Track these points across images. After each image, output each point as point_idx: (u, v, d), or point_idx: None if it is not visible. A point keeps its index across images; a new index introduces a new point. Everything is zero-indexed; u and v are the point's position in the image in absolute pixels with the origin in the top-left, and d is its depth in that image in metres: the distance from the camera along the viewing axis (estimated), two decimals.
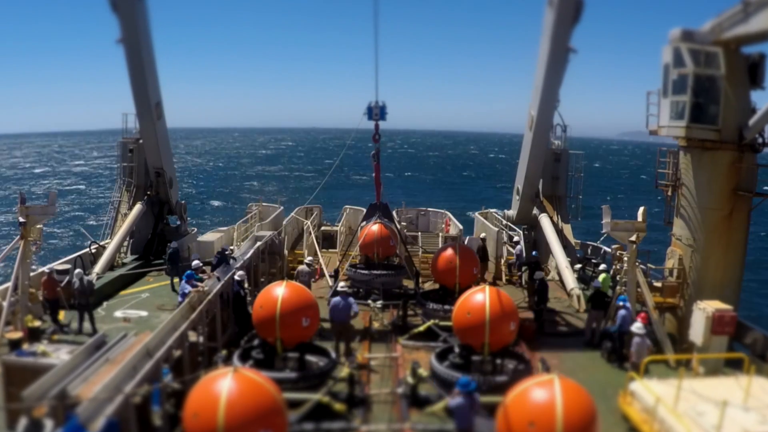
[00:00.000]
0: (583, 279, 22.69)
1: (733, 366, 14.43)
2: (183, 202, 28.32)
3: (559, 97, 23.66)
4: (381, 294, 19.65)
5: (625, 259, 17.11)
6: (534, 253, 22.90)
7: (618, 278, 17.76)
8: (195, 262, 17.45)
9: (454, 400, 10.79)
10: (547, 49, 20.33)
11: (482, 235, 26.61)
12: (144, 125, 24.66)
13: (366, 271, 21.09)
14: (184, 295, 16.37)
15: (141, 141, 26.36)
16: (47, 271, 18.38)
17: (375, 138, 19.86)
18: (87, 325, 17.21)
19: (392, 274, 21.21)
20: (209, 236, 28.69)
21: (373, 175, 20.81)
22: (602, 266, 21.81)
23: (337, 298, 15.64)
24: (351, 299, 15.77)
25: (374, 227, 21.39)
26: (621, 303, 16.09)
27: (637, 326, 14.52)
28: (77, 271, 18.15)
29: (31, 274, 18.53)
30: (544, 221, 24.93)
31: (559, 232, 24.63)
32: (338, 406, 12.01)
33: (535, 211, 25.96)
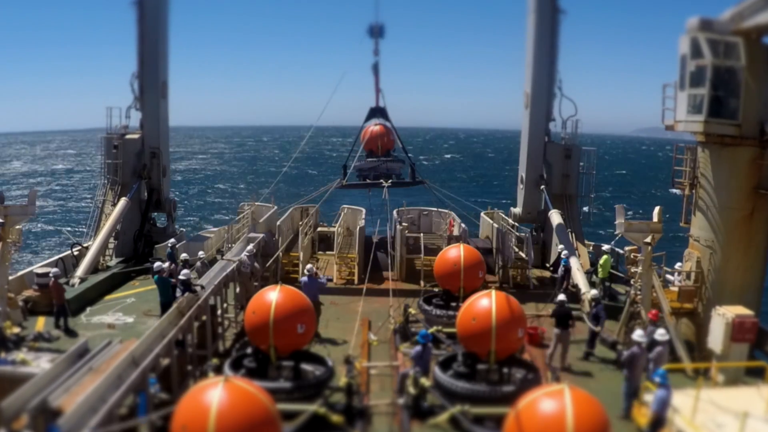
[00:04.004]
0: (595, 283, 22.68)
1: (755, 375, 14.44)
2: (173, 199, 28.49)
3: (561, 78, 24.97)
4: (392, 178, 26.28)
5: (640, 260, 17.11)
6: (564, 261, 21.70)
7: (632, 282, 17.74)
8: (185, 271, 17.48)
9: (415, 349, 13.96)
10: (533, 10, 21.27)
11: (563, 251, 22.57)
12: (148, 99, 25.45)
13: (373, 159, 27.67)
14: (183, 284, 16.45)
15: (127, 137, 26.42)
16: (52, 275, 18.46)
17: (375, 52, 25.90)
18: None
19: (393, 161, 27.90)
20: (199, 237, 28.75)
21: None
22: (605, 246, 21.96)
23: (305, 278, 19.00)
24: (322, 278, 20.16)
25: (375, 127, 27.47)
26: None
27: (659, 333, 14.46)
28: None
29: (10, 277, 18.56)
30: (555, 217, 24.96)
31: (570, 233, 24.64)
32: (335, 418, 11.98)
33: (543, 207, 26.16)
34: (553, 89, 26.10)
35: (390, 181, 25.91)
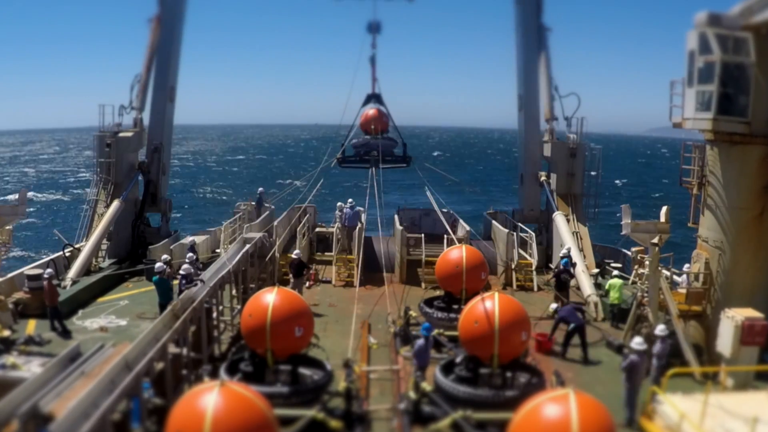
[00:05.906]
0: (601, 285, 22.64)
1: (765, 379, 14.43)
2: (169, 199, 28.62)
3: (556, 82, 27.00)
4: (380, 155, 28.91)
5: (647, 262, 17.09)
6: (564, 262, 21.43)
7: (639, 284, 17.72)
8: (185, 266, 17.66)
9: (418, 341, 14.48)
10: (517, 28, 25.38)
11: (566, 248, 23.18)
12: (156, 97, 26.96)
13: (367, 136, 30.36)
14: (184, 278, 16.96)
15: (120, 135, 26.49)
16: (46, 276, 18.47)
17: (372, 45, 28.69)
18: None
19: (386, 139, 30.32)
20: (194, 239, 28.75)
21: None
22: (615, 272, 21.74)
23: (348, 210, 25.62)
24: (359, 209, 25.86)
25: (370, 111, 30.11)
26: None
27: (660, 328, 14.45)
28: None
29: (0, 279, 18.56)
30: (559, 219, 25.02)
31: (575, 234, 24.66)
32: (334, 424, 11.97)
33: (545, 206, 26.44)
34: (551, 92, 26.78)
35: (380, 158, 28.73)
